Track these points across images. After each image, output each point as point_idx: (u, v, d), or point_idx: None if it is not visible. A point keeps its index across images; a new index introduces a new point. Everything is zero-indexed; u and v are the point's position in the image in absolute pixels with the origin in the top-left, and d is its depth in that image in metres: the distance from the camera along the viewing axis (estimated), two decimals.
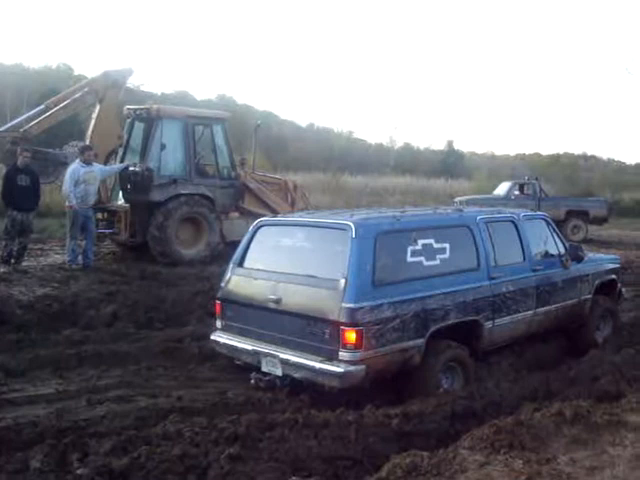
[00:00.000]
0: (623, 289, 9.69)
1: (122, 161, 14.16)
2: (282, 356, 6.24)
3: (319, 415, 5.37)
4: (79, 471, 4.38)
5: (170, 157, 13.99)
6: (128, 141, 14.43)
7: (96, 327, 8.55)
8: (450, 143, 62.81)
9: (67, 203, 12.38)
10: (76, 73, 46.31)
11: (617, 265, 9.55)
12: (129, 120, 14.52)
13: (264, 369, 6.45)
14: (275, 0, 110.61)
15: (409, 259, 6.39)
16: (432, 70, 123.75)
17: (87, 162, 12.32)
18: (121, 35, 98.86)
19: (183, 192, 13.87)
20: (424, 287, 6.39)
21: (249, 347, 6.61)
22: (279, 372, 6.31)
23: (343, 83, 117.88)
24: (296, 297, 6.32)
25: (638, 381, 6.71)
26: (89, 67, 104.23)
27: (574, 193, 32.41)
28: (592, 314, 8.69)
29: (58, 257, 13.73)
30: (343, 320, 5.83)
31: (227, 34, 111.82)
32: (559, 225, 24.39)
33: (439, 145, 65.80)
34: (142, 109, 14.28)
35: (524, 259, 7.65)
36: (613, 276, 9.24)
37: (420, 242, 6.49)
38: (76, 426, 5.58)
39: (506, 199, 25.06)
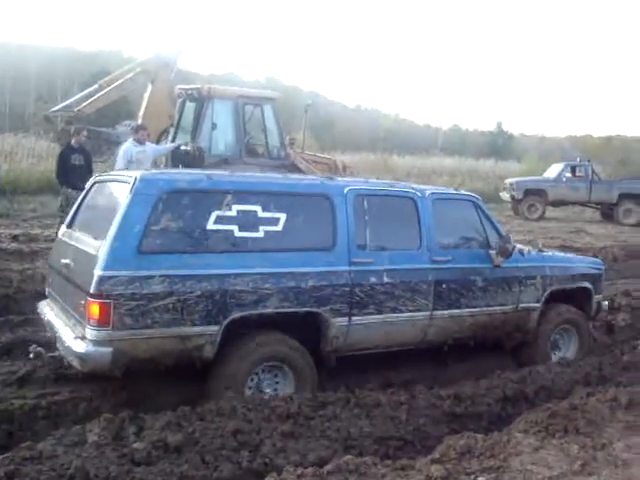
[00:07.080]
0: (605, 302, 7.90)
1: (173, 140, 14.26)
2: (56, 329, 5.50)
3: (370, 395, 5.36)
4: (135, 445, 4.40)
5: (221, 136, 14.07)
6: (179, 121, 14.54)
7: None
8: (499, 124, 62.07)
9: None
10: (126, 55, 46.99)
11: (596, 271, 7.67)
12: (180, 100, 14.62)
13: (57, 345, 5.53)
14: None
15: (211, 226, 5.24)
16: (480, 50, 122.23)
17: (140, 141, 12.40)
18: (169, 17, 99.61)
19: None
20: (229, 262, 5.25)
21: (46, 319, 5.87)
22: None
23: (390, 64, 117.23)
24: (77, 262, 5.47)
25: None
26: (138, 49, 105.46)
27: (627, 176, 31.61)
28: (542, 328, 7.04)
29: None
30: (89, 290, 4.89)
31: (272, 15, 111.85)
32: (611, 208, 24.29)
33: (488, 126, 65.12)
34: (193, 89, 14.36)
35: (420, 246, 6.17)
36: (585, 284, 7.43)
37: (236, 208, 5.35)
38: (131, 401, 5.68)
39: (557, 181, 24.74)
